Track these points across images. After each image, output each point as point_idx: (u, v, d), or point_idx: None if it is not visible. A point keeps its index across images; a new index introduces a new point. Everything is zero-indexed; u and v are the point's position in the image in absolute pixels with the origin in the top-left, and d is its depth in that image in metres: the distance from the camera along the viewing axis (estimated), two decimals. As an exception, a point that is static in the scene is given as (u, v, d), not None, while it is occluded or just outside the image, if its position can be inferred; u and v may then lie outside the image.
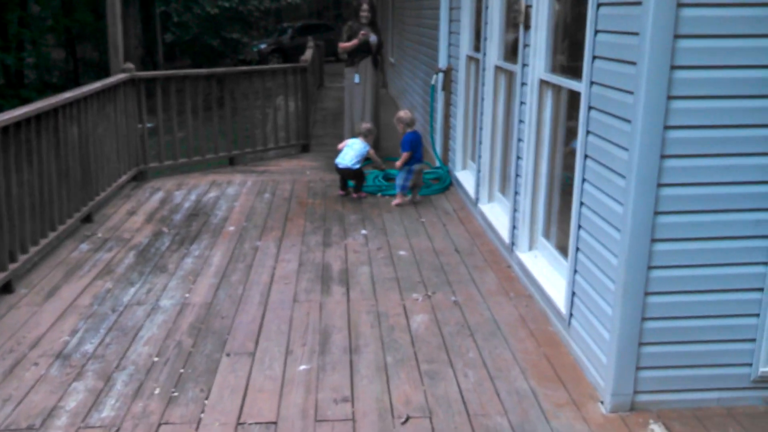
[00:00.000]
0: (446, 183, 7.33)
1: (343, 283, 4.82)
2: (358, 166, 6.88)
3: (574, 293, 3.82)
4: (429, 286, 4.77)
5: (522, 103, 4.83)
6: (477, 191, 6.20)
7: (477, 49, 6.72)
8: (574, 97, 4.67)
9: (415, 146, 6.68)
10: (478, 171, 6.14)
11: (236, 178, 7.76)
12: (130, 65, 7.51)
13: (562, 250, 4.42)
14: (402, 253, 5.42)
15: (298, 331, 4.12)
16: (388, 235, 5.84)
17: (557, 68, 4.56)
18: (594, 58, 3.58)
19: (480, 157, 6.06)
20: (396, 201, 6.74)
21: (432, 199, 6.97)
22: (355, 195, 6.99)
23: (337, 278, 4.92)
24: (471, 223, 6.17)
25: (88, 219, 6.09)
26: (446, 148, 7.74)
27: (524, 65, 4.79)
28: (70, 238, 5.69)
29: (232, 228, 6.01)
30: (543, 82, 4.58)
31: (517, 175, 4.95)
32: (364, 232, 5.93)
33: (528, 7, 4.63)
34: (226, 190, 7.23)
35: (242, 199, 6.92)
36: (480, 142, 6.08)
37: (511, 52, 5.62)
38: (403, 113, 6.78)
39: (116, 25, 7.85)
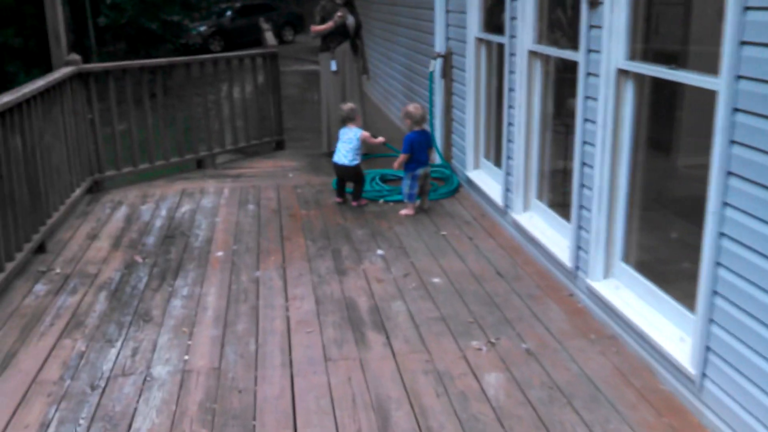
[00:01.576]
0: (455, 185, 6.42)
1: (379, 329, 3.87)
2: (357, 161, 5.91)
3: (708, 348, 2.97)
4: (486, 327, 3.87)
5: (589, 98, 3.95)
6: (506, 197, 5.31)
7: (489, 29, 5.81)
8: (661, 89, 3.83)
9: (418, 147, 5.74)
10: (507, 174, 5.25)
11: (209, 185, 6.68)
12: (75, 56, 6.33)
13: (660, 282, 3.58)
14: (436, 280, 4.50)
15: (345, 408, 3.16)
16: (410, 256, 4.91)
17: (641, 55, 3.68)
18: (742, 44, 2.71)
19: (510, 158, 5.17)
20: (404, 211, 5.80)
21: (443, 204, 6.06)
22: (354, 203, 6.02)
23: (370, 321, 3.97)
24: (501, 235, 5.29)
25: (40, 249, 4.96)
26: (448, 143, 6.82)
27: (590, 51, 3.90)
28: (20, 277, 4.58)
29: (220, 253, 4.97)
30: (621, 72, 3.70)
31: (582, 186, 4.07)
32: (380, 252, 4.98)
33: (600, -21, 3.73)
34: (201, 202, 6.15)
35: (223, 212, 5.87)
36: (509, 141, 5.18)
37: (554, 34, 4.73)
38: (413, 107, 5.82)
39: (56, 10, 6.67)
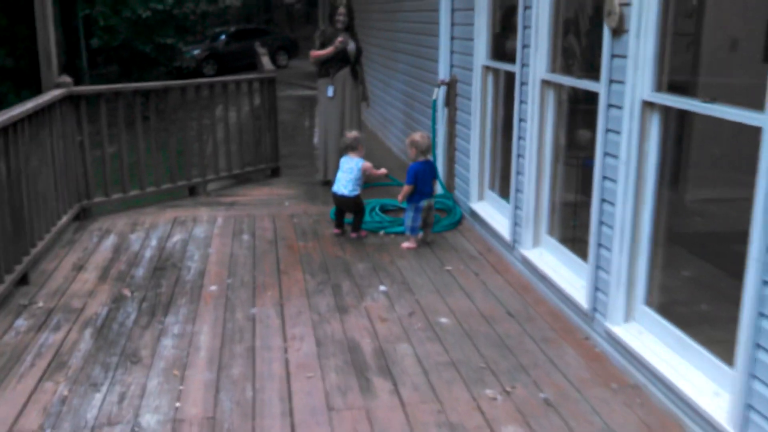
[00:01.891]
0: (457, 216, 6.19)
1: (385, 374, 3.61)
2: (357, 191, 5.67)
3: (749, 406, 2.73)
4: (500, 374, 3.62)
5: (611, 131, 3.74)
6: (514, 232, 5.09)
7: (497, 57, 5.63)
8: (687, 121, 3.63)
9: (423, 178, 5.51)
10: (516, 208, 5.04)
11: (202, 213, 6.42)
12: (66, 78, 6.10)
13: (688, 328, 3.35)
14: (443, 320, 4.25)
15: (352, 465, 2.89)
16: (415, 293, 4.66)
17: (667, 86, 3.49)
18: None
19: (520, 191, 4.95)
20: (407, 244, 5.56)
21: (446, 237, 5.82)
22: (354, 234, 5.78)
23: (375, 365, 3.70)
24: (509, 271, 5.05)
25: (23, 280, 4.68)
26: (451, 173, 6.60)
27: (612, 82, 3.70)
28: (1, 310, 4.29)
29: (213, 287, 4.70)
30: (647, 105, 3.50)
31: (602, 224, 3.85)
32: (383, 288, 4.73)
33: (624, 5, 3.54)
34: (194, 231, 5.89)
35: (216, 243, 5.60)
36: (519, 173, 4.97)
37: (569, 62, 4.55)
38: (419, 136, 5.59)
39: (48, 31, 6.42)
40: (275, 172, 7.89)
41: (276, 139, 7.81)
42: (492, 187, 5.92)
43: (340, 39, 6.92)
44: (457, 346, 3.91)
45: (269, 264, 5.16)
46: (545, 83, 4.61)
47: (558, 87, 4.59)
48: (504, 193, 5.59)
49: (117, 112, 6.31)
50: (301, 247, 5.54)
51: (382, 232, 5.90)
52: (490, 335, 4.06)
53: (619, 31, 3.60)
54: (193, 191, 7.04)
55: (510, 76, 5.21)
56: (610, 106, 3.74)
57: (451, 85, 6.42)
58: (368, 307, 4.43)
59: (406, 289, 4.72)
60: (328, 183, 7.40)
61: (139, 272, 4.96)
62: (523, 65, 4.79)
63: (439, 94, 6.56)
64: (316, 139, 7.42)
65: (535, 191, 4.78)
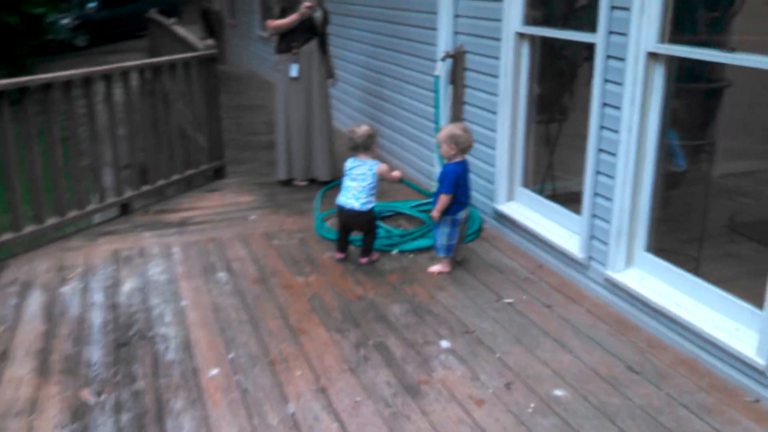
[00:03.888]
0: (478, 222, 5.00)
1: None
2: (371, 204, 4.36)
3: None
4: (700, 490, 2.50)
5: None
6: (588, 248, 3.96)
7: (536, 21, 4.43)
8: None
9: (463, 184, 4.28)
10: (594, 217, 3.90)
11: (148, 242, 4.89)
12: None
13: None
14: (558, 393, 3.08)
15: None
16: (491, 348, 3.46)
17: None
18: None
19: (607, 198, 3.79)
20: (437, 268, 4.33)
21: (472, 249, 4.64)
22: (364, 259, 4.47)
23: (515, 496, 2.49)
24: (586, 299, 3.93)
25: None
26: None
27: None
28: None
29: (215, 371, 3.30)
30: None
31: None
32: (445, 344, 3.50)
33: None
34: (149, 272, 4.39)
35: (187, 289, 4.15)
36: (602, 174, 3.81)
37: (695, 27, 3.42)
38: (460, 129, 4.27)
39: None
40: (219, 173, 6.39)
41: (219, 132, 6.30)
42: (527, 185, 4.77)
43: (307, 3, 5.48)
44: (606, 441, 2.76)
45: (273, 319, 3.79)
46: (653, 57, 3.44)
47: (671, 61, 3.44)
48: (551, 195, 4.46)
49: (27, 116, 4.61)
50: (303, 285, 4.19)
51: (395, 251, 4.64)
52: (633, 411, 2.93)
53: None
54: (126, 209, 5.47)
55: (563, 48, 4.02)
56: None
57: (457, 58, 5.15)
58: (445, 382, 3.19)
59: (476, 342, 3.51)
60: (290, 182, 6.04)
61: (95, 354, 3.47)
62: (611, 33, 3.60)
63: (443, 69, 5.27)
64: (278, 135, 5.95)
65: (631, 199, 3.65)
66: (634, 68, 3.49)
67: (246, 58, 13.57)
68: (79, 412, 3.01)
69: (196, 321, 3.77)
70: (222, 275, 4.34)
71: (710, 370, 3.20)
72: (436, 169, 5.65)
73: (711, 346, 3.18)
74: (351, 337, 3.59)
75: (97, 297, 4.07)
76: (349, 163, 4.37)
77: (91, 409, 3.03)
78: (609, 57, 3.68)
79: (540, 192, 4.71)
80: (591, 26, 3.78)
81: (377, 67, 6.70)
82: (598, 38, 3.71)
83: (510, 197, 4.84)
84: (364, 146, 4.32)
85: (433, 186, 5.75)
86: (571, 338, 3.53)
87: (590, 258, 3.97)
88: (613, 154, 3.71)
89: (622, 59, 3.57)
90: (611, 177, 3.74)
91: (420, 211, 5.27)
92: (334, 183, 5.96)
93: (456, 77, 5.17)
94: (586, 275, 4.01)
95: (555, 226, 4.38)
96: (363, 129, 4.36)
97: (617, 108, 3.65)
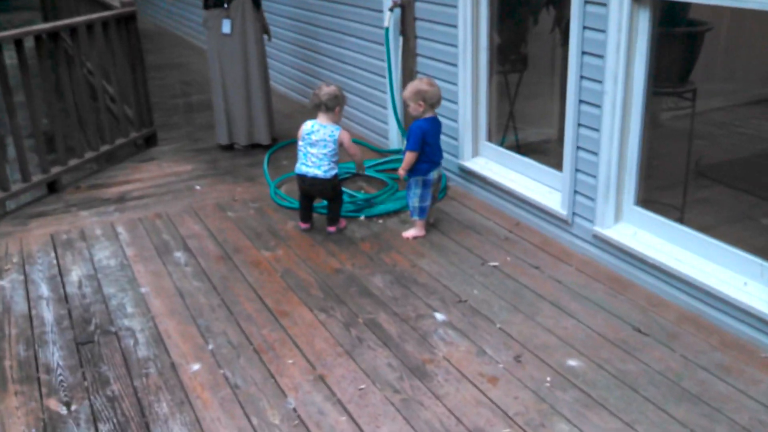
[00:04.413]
0: (444, 181, 4.77)
1: (590, 499, 2.25)
2: (334, 171, 4.06)
3: None
4: (744, 457, 2.40)
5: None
6: (572, 204, 3.81)
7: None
8: None
9: (433, 142, 4.04)
10: (578, 171, 3.74)
11: (88, 222, 4.43)
12: None
13: None
14: (572, 363, 2.92)
15: None
16: (489, 317, 3.27)
17: None
18: None
19: (592, 152, 3.62)
20: (412, 233, 4.10)
21: (442, 210, 4.43)
22: (332, 228, 4.18)
23: (558, 482, 2.33)
24: (575, 258, 3.79)
25: None
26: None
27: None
28: None
29: (196, 367, 2.98)
30: None
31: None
32: (440, 317, 3.29)
33: None
34: (96, 257, 3.96)
35: (143, 273, 3.76)
36: (586, 126, 3.64)
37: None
38: (427, 84, 4.00)
39: None
40: (151, 141, 5.89)
41: (147, 96, 5.78)
42: (492, 139, 4.57)
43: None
44: (633, 411, 2.62)
45: (248, 301, 3.48)
46: (637, 0, 3.26)
47: (657, 4, 3.26)
48: (519, 149, 4.28)
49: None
50: (272, 261, 3.87)
51: (362, 217, 4.37)
52: (653, 377, 2.81)
53: None
54: (54, 187, 4.94)
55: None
56: None
57: (406, 7, 4.84)
58: (451, 359, 2.98)
59: (472, 313, 3.31)
60: (232, 146, 5.65)
61: (54, 356, 3.07)
62: (592, -23, 3.39)
63: (391, 20, 4.95)
64: (215, 97, 5.50)
65: (618, 151, 3.50)
66: (618, 13, 3.31)
67: (151, 12, 12.69)
68: (49, 427, 2.64)
69: (161, 310, 3.41)
70: (179, 255, 3.96)
71: (717, 325, 3.12)
72: (390, 127, 5.39)
73: (717, 301, 3.09)
74: (338, 315, 3.33)
75: (43, 289, 3.63)
76: (308, 127, 4.03)
77: (64, 419, 2.67)
78: (588, 2, 3.48)
79: (501, 144, 4.52)
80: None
81: (312, 19, 6.29)
82: (577, -18, 3.50)
83: (475, 152, 4.63)
84: (327, 106, 3.98)
85: (387, 144, 5.50)
86: (569, 301, 3.38)
87: (574, 214, 3.82)
88: (597, 106, 3.54)
89: (603, 4, 3.38)
90: (596, 129, 3.58)
91: (378, 171, 5.00)
92: (277, 145, 5.62)
93: (406, 28, 4.87)
94: (571, 232, 3.87)
95: (530, 182, 4.21)
96: (331, 88, 4.02)
97: (599, 57, 3.47)
